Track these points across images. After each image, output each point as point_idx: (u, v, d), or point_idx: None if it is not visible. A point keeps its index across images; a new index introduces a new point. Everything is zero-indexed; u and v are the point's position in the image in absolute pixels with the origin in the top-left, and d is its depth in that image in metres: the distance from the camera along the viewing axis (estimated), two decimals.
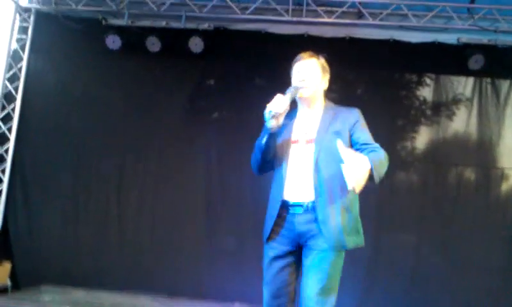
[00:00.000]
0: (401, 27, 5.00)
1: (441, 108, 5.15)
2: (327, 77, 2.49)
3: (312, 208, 2.21)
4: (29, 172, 5.21)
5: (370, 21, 4.95)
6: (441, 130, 5.13)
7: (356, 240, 2.27)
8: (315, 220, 2.20)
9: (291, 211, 2.26)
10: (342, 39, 5.00)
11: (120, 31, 5.03)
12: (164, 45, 5.06)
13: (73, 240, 5.12)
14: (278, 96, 2.22)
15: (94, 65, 5.27)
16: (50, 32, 5.27)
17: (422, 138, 5.17)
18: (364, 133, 2.34)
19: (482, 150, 5.10)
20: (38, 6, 5.25)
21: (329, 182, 2.21)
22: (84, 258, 5.06)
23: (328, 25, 5.04)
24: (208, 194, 5.20)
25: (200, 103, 5.34)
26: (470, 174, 5.10)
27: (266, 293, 2.31)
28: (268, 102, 4.88)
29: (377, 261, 4.85)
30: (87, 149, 5.22)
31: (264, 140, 2.26)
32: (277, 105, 2.19)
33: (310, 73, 2.39)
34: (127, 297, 4.80)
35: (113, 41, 5.05)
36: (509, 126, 5.06)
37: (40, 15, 5.31)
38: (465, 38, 4.86)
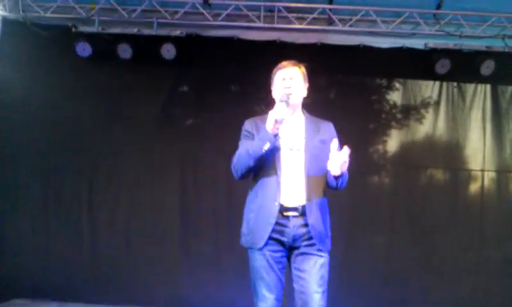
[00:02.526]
0: (371, 33, 5.10)
1: (411, 111, 5.27)
2: (307, 85, 2.60)
3: (303, 212, 2.34)
4: None
5: (340, 27, 5.04)
6: (411, 133, 5.26)
7: (330, 244, 2.44)
8: (307, 224, 2.33)
9: (286, 215, 2.35)
10: (313, 45, 5.06)
11: (90, 38, 4.96)
12: (135, 52, 5.01)
13: (45, 253, 5.00)
14: (280, 104, 2.29)
15: (64, 73, 5.17)
16: (18, 39, 5.13)
17: (393, 141, 5.28)
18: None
19: (449, 152, 5.25)
20: (5, 13, 5.12)
21: (318, 188, 2.40)
22: (56, 271, 4.95)
23: (299, 32, 5.09)
24: (183, 203, 5.16)
25: (174, 111, 5.31)
26: (438, 175, 5.24)
27: (270, 299, 2.35)
28: (242, 107, 4.94)
29: (350, 261, 4.92)
30: (57, 159, 5.12)
31: (266, 147, 2.29)
32: (282, 113, 2.26)
33: (294, 81, 2.50)
34: None
35: (83, 49, 4.98)
36: (474, 129, 5.22)
37: (7, 22, 5.17)
38: (432, 43, 4.99)
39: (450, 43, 4.98)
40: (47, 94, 5.16)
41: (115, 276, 4.96)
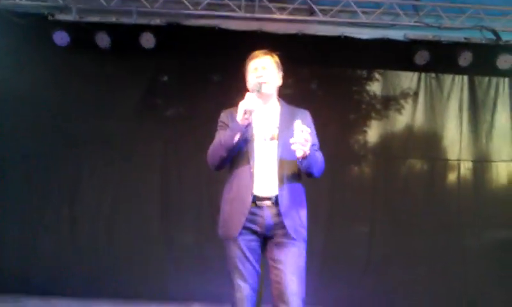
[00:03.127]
0: (351, 24, 5.12)
1: (390, 102, 5.34)
2: (281, 74, 2.59)
3: (276, 202, 2.34)
4: None
5: (321, 18, 5.04)
6: (390, 124, 5.33)
7: (306, 233, 2.43)
8: (280, 213, 2.33)
9: (259, 204, 2.35)
10: (294, 36, 5.05)
11: (67, 26, 4.86)
12: (114, 41, 4.93)
13: (28, 248, 4.95)
14: (250, 95, 2.29)
15: (41, 62, 5.07)
16: None
17: (373, 132, 5.35)
18: (313, 138, 2.44)
19: (427, 143, 5.35)
20: None
21: (292, 177, 2.38)
22: (39, 266, 4.90)
23: (280, 22, 5.08)
24: (166, 193, 5.14)
25: (154, 101, 5.27)
26: (417, 165, 5.36)
27: (245, 288, 2.35)
28: (223, 97, 4.92)
29: (331, 252, 4.99)
30: (36, 152, 5.03)
31: (237, 137, 2.29)
32: (251, 103, 2.26)
33: (267, 70, 2.48)
34: (85, 304, 4.69)
35: (61, 38, 4.87)
36: (452, 119, 5.31)
37: None
38: (412, 34, 5.06)
39: (429, 35, 5.04)
40: (24, 84, 5.04)
41: (98, 270, 4.92)
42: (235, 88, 5.05)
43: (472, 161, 5.28)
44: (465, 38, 5.04)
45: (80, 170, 5.12)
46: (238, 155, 2.38)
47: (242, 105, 2.27)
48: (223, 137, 2.34)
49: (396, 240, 5.11)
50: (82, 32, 4.88)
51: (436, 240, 5.11)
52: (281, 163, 2.36)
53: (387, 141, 5.33)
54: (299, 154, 2.22)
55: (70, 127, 5.07)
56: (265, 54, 2.53)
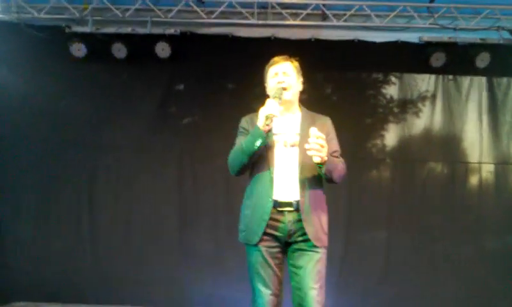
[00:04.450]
0: (365, 28, 5.09)
1: (407, 105, 5.27)
2: (301, 79, 2.59)
3: (298, 208, 2.35)
4: None
5: (335, 22, 5.02)
6: (408, 127, 5.26)
7: (326, 239, 2.42)
8: (300, 219, 2.34)
9: (280, 210, 2.35)
10: (308, 41, 5.05)
11: (84, 38, 4.94)
12: (130, 51, 4.99)
13: (45, 255, 4.99)
14: (271, 101, 2.29)
15: (59, 74, 5.15)
16: (11, 41, 5.10)
17: (391, 136, 5.27)
18: (334, 144, 2.48)
19: (447, 146, 5.25)
20: None
21: (313, 183, 2.39)
22: (56, 272, 4.94)
23: (293, 28, 5.08)
24: (182, 201, 5.16)
25: (170, 109, 5.30)
26: (436, 169, 5.24)
27: (266, 294, 2.34)
28: (237, 105, 4.94)
29: (349, 257, 4.95)
30: (54, 161, 5.10)
31: (258, 143, 2.29)
32: (273, 109, 2.26)
33: (288, 76, 2.48)
34: None
35: (78, 49, 4.96)
36: (471, 121, 5.22)
37: (0, 23, 5.14)
38: (426, 37, 5.00)
39: (444, 36, 4.98)
40: (42, 95, 5.14)
41: (115, 276, 4.95)
42: (250, 95, 5.19)
43: (493, 164, 5.18)
44: (481, 39, 4.96)
45: (96, 178, 5.16)
46: (259, 160, 2.38)
47: (263, 111, 2.27)
48: (244, 143, 2.34)
49: (415, 245, 5.02)
50: (98, 43, 4.96)
51: (457, 245, 5.01)
52: (303, 169, 2.36)
53: (405, 144, 5.26)
54: (316, 160, 2.22)
55: (87, 135, 5.14)
56: (286, 59, 2.53)
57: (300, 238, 2.36)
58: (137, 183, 5.17)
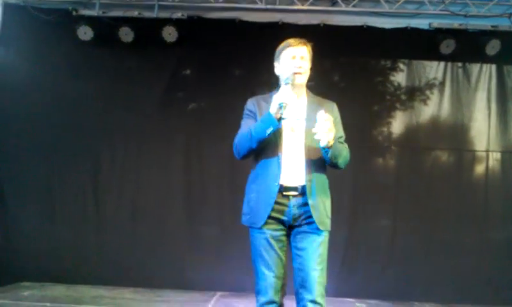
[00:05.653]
0: (374, 13, 5.04)
1: (415, 93, 5.24)
2: (310, 65, 2.54)
3: (303, 192, 2.34)
4: (2, 169, 5.09)
5: (344, 7, 4.97)
6: (416, 114, 5.22)
7: (330, 223, 2.43)
8: (306, 203, 2.34)
9: (286, 194, 2.35)
10: (317, 26, 5.00)
11: (91, 21, 4.94)
12: (137, 35, 4.99)
13: (52, 236, 5.05)
14: (285, 88, 2.27)
15: (65, 57, 5.16)
16: (19, 24, 5.12)
17: (398, 123, 5.25)
18: (339, 130, 2.46)
19: (454, 133, 5.23)
20: None
21: (318, 168, 2.38)
22: (63, 253, 4.99)
23: (302, 13, 5.03)
24: (188, 185, 5.19)
25: (177, 94, 5.30)
26: (443, 157, 5.24)
27: (269, 276, 2.35)
28: (244, 90, 4.93)
29: (354, 242, 4.98)
30: (61, 143, 5.13)
31: (269, 131, 2.28)
32: (287, 97, 2.24)
33: (304, 61, 2.45)
34: (108, 291, 4.78)
35: (85, 32, 4.96)
36: (479, 110, 5.18)
37: (8, 6, 5.15)
38: (436, 23, 4.94)
39: (455, 23, 4.92)
40: (49, 78, 5.15)
41: (121, 259, 5.00)
42: (256, 81, 5.16)
43: (500, 152, 5.15)
44: (492, 26, 4.89)
45: (101, 162, 5.20)
46: (265, 144, 2.36)
47: (278, 99, 2.25)
48: (254, 129, 2.32)
49: (420, 232, 5.03)
50: (105, 27, 4.95)
51: (462, 232, 5.02)
52: (308, 154, 2.36)
53: (412, 132, 5.23)
54: (322, 143, 2.22)
55: (92, 120, 5.15)
56: (303, 44, 2.48)
57: (304, 222, 2.37)
58: (143, 167, 5.19)
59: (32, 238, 5.03)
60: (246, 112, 2.52)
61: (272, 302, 2.35)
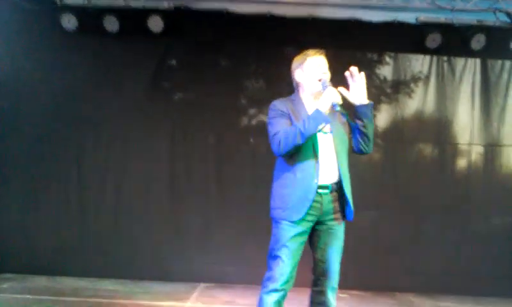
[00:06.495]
0: (362, 7, 5.04)
1: (401, 86, 5.28)
2: None
3: (335, 189, 2.59)
4: None
5: (332, 0, 4.95)
6: (401, 108, 5.28)
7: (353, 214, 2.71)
8: (339, 198, 2.60)
9: (319, 192, 2.54)
10: (304, 20, 4.98)
11: (75, 10, 4.87)
12: (122, 24, 4.92)
13: (33, 228, 5.02)
14: (333, 89, 2.51)
15: (49, 47, 5.06)
16: (2, 13, 4.98)
17: (383, 116, 5.30)
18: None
19: (438, 127, 5.29)
20: None
21: (345, 167, 2.64)
22: (44, 245, 4.97)
23: (290, 5, 5.00)
24: (173, 177, 5.17)
25: (163, 84, 5.26)
26: (427, 150, 5.32)
27: (288, 265, 2.53)
28: (230, 82, 4.92)
29: None
30: (44, 133, 5.07)
31: (321, 126, 2.52)
32: (338, 97, 2.49)
33: (326, 67, 2.70)
34: (89, 282, 4.77)
35: (69, 22, 4.88)
36: (463, 103, 5.25)
37: None
38: (423, 17, 4.97)
39: (441, 17, 4.95)
40: (33, 68, 5.06)
41: (104, 250, 4.99)
42: (243, 73, 5.13)
43: (483, 145, 5.24)
44: (478, 21, 4.94)
45: (85, 152, 5.14)
46: (304, 145, 2.54)
47: (329, 98, 2.46)
48: (304, 126, 2.46)
49: (404, 223, 5.10)
50: (90, 16, 4.88)
51: (445, 223, 5.11)
52: (338, 153, 2.59)
53: (397, 125, 5.28)
54: (362, 101, 2.56)
55: (77, 108, 5.08)
56: (323, 53, 2.72)
57: (330, 217, 2.59)
58: (127, 158, 5.15)
59: (13, 229, 4.99)
60: (277, 112, 2.64)
61: (282, 289, 2.54)
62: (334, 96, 2.48)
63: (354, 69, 2.51)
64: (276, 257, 2.55)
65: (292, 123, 2.55)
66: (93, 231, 5.04)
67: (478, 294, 4.94)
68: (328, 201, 2.57)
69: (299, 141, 2.47)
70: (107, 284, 4.75)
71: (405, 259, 5.04)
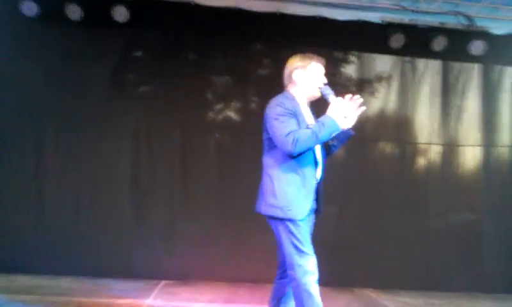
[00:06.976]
0: (329, 4, 5.08)
1: (364, 85, 5.37)
2: None
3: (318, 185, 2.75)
4: None
5: None
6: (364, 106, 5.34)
7: None
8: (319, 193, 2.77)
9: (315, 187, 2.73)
10: (273, 15, 4.97)
11: None
12: (85, 13, 4.77)
13: None
14: (336, 99, 2.66)
15: (8, 34, 4.85)
16: None
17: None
18: None
19: (399, 126, 5.44)
20: None
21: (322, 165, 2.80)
22: (2, 242, 4.76)
23: (258, 0, 5.00)
24: (136, 170, 5.07)
25: (126, 76, 5.15)
26: (388, 148, 5.46)
27: (311, 254, 2.64)
28: (197, 75, 4.84)
29: None
30: (3, 125, 4.86)
31: (334, 135, 2.64)
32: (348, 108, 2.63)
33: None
34: (48, 280, 4.60)
35: (29, 8, 4.68)
36: (423, 104, 5.40)
37: None
38: (388, 17, 5.07)
39: (405, 18, 5.06)
40: None
41: (64, 246, 4.83)
42: (210, 66, 5.08)
43: (441, 145, 5.40)
44: (440, 23, 5.08)
45: (44, 146, 4.96)
46: None
47: (345, 109, 2.61)
48: (320, 131, 2.54)
49: (364, 220, 5.20)
50: (51, 3, 4.72)
51: (403, 221, 5.23)
52: (322, 154, 2.77)
53: (359, 123, 5.31)
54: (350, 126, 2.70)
55: (36, 101, 4.91)
56: (324, 64, 2.86)
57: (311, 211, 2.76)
58: (88, 152, 5.00)
59: None
60: (286, 111, 2.64)
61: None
62: (345, 108, 2.61)
63: (357, 97, 2.63)
64: (303, 253, 2.61)
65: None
66: (51, 227, 4.87)
67: (433, 289, 5.10)
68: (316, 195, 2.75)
69: (314, 144, 2.59)
70: (64, 282, 4.59)
71: (364, 255, 5.13)
